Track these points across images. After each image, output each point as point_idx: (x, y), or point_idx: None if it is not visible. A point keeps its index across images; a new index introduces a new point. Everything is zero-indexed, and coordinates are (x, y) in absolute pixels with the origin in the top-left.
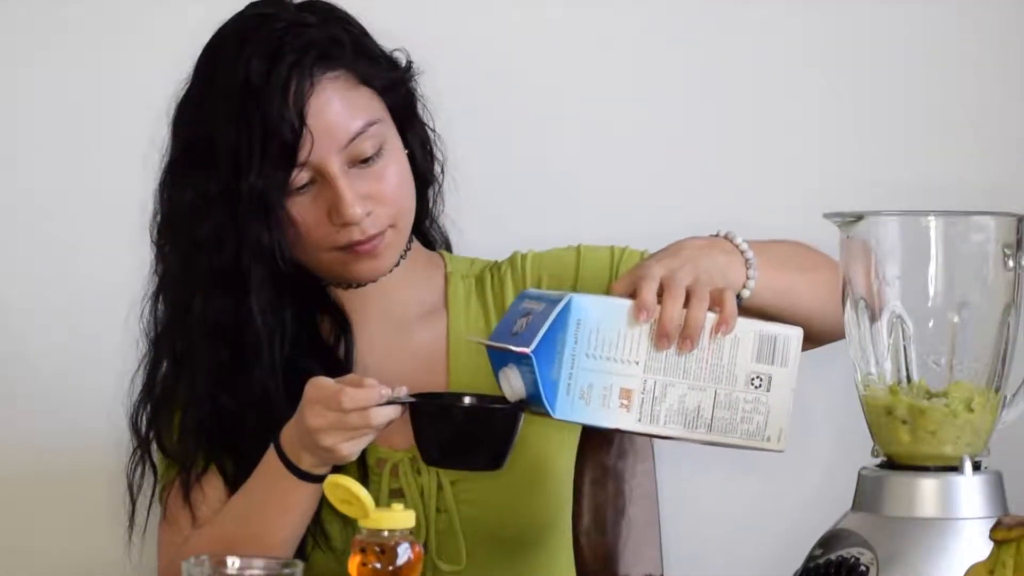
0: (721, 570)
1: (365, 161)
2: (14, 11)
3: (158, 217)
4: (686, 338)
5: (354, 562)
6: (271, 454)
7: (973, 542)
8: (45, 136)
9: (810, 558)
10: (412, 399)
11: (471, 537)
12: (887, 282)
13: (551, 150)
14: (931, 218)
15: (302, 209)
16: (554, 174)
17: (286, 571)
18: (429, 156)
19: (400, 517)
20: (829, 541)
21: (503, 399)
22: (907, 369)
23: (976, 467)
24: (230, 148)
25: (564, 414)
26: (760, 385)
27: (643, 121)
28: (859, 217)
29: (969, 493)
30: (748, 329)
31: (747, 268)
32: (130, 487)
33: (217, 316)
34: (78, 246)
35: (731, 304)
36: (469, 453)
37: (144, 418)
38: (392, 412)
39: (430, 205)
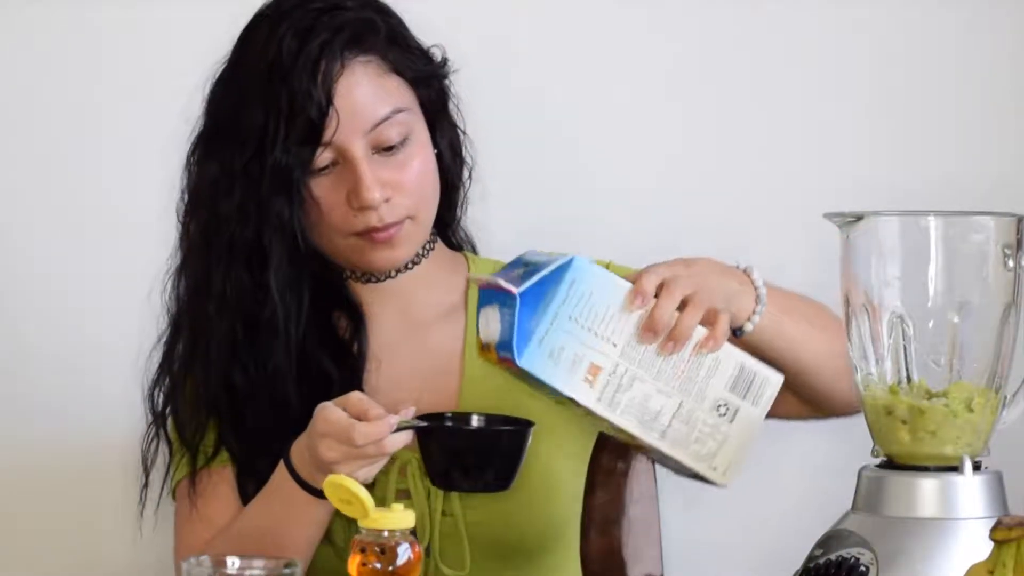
0: (721, 570)
1: (389, 149)
2: None
3: (184, 195)
4: (671, 340)
5: (354, 562)
6: (283, 474)
7: (973, 542)
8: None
9: (810, 558)
10: (422, 424)
11: (475, 544)
12: (887, 282)
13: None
14: (931, 218)
15: (323, 190)
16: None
17: (286, 571)
18: (458, 158)
19: (400, 517)
20: (829, 541)
21: (510, 419)
22: (907, 369)
23: (976, 467)
24: (257, 124)
25: (529, 364)
26: (725, 414)
27: (644, 121)
28: (859, 217)
29: (969, 493)
30: (732, 357)
31: (756, 303)
32: (144, 461)
33: (236, 291)
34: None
35: (723, 325)
36: (477, 474)
37: (160, 393)
38: (404, 438)
39: (456, 208)
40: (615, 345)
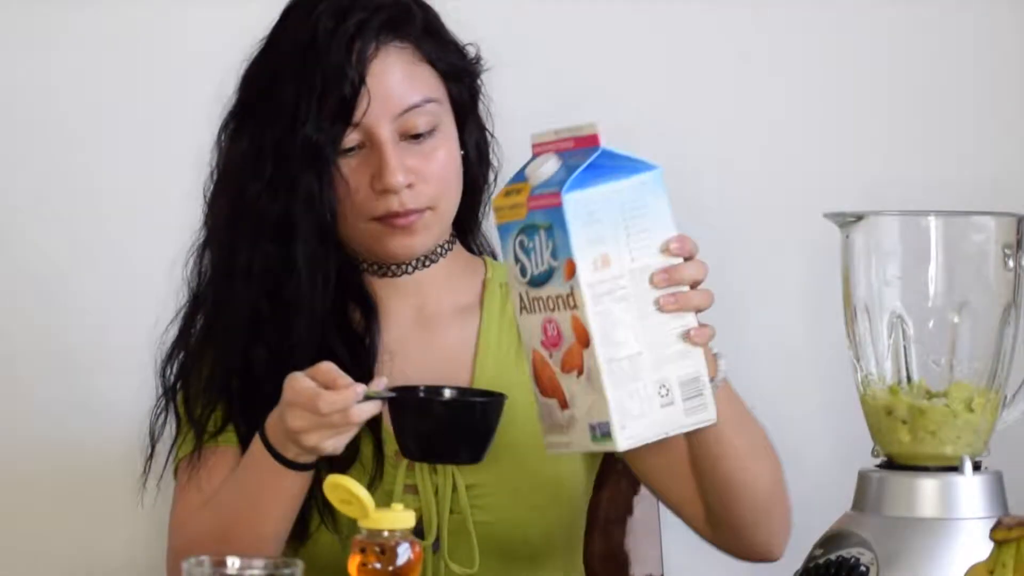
0: (721, 570)
1: (416, 137)
2: None
3: (213, 172)
4: (674, 297)
5: (354, 562)
6: (258, 444)
7: (973, 542)
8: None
9: (810, 558)
10: (390, 394)
11: (483, 543)
12: (887, 282)
13: None
14: (931, 218)
15: (347, 172)
16: None
17: (286, 571)
18: (484, 159)
19: (400, 517)
20: (829, 541)
21: (484, 393)
22: (907, 369)
23: (976, 467)
24: (289, 100)
25: (568, 203)
26: (663, 396)
27: (643, 120)
28: (859, 217)
29: (969, 493)
30: (698, 362)
31: (716, 370)
32: (151, 433)
33: (262, 265)
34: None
35: (712, 332)
36: (448, 447)
37: (173, 367)
38: (372, 408)
39: (479, 210)
40: (632, 260)
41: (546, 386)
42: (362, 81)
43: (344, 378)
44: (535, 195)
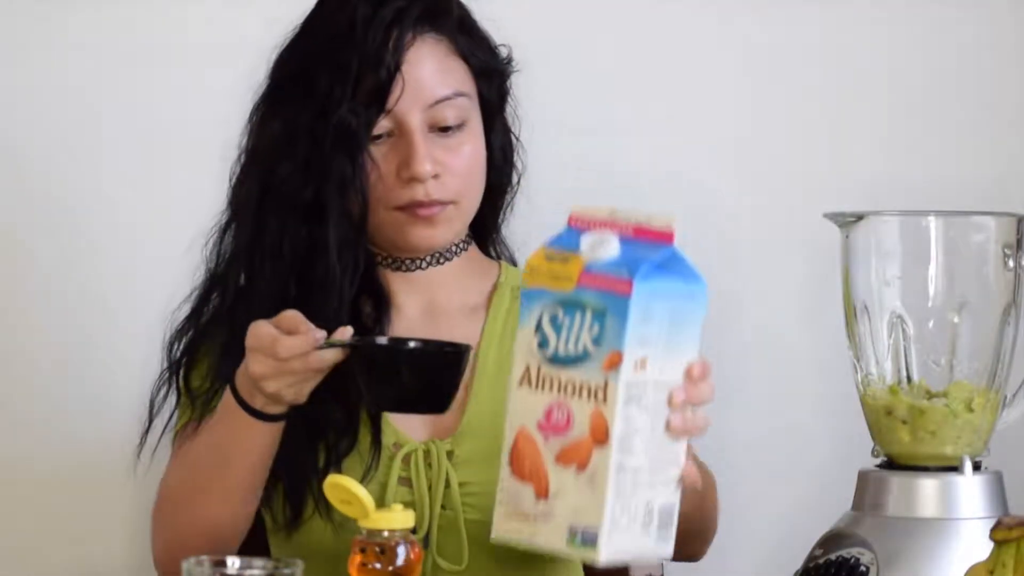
0: (721, 570)
1: (445, 130)
2: None
3: (242, 155)
4: (683, 420)
5: (354, 562)
6: (229, 395)
7: (973, 542)
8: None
9: (810, 558)
10: (351, 342)
11: (474, 542)
12: (887, 282)
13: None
14: (931, 218)
15: (375, 159)
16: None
17: (286, 571)
18: (508, 162)
19: (400, 517)
20: (829, 541)
21: (448, 344)
22: (907, 369)
23: (976, 467)
24: (325, 83)
25: (637, 296)
26: (646, 517)
27: (643, 120)
28: (859, 217)
29: (969, 493)
30: (676, 497)
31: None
32: (151, 406)
33: (292, 246)
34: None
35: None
36: (412, 396)
37: (181, 344)
38: (332, 355)
39: (499, 213)
40: (660, 372)
41: (525, 469)
42: (397, 68)
43: (306, 324)
44: (593, 273)
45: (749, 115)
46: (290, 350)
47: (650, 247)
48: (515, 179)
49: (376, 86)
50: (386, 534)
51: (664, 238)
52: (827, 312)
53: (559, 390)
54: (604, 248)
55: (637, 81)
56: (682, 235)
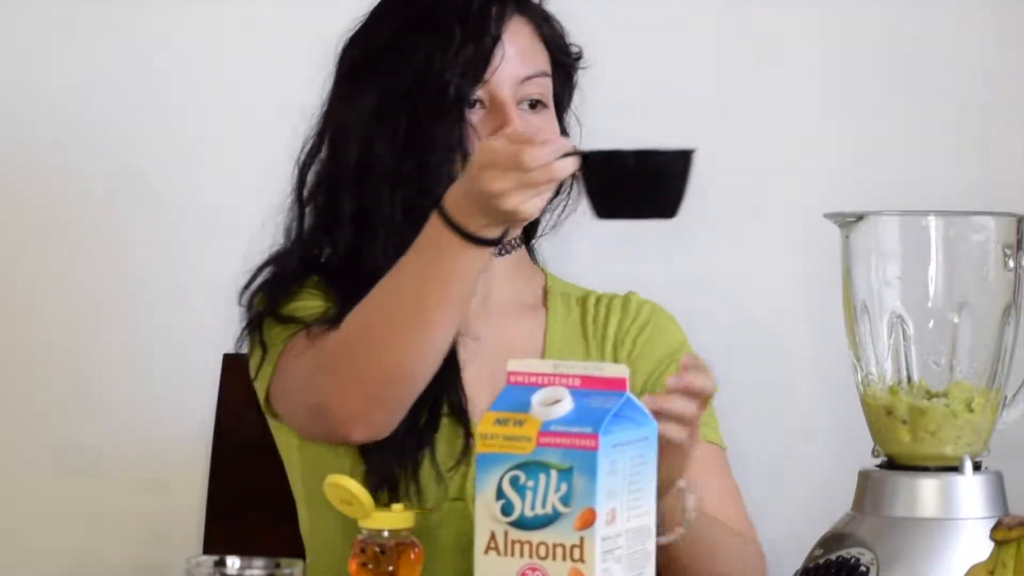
0: None
1: (532, 106)
2: None
3: (310, 141)
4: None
5: (354, 562)
6: (431, 225)
7: (973, 542)
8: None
9: (810, 558)
10: (585, 152)
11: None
12: (887, 282)
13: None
14: (931, 218)
15: (473, 125)
16: None
17: (286, 571)
18: None
19: (400, 517)
20: (829, 541)
21: (680, 149)
22: (907, 369)
23: (976, 467)
24: (422, 52)
25: (603, 450)
26: None
27: (642, 119)
28: (859, 217)
29: (969, 493)
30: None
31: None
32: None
33: (404, 214)
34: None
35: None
36: (642, 200)
37: (263, 295)
38: (572, 164)
39: (545, 214)
40: (628, 520)
41: None
42: (499, 37)
43: (540, 135)
44: (552, 431)
45: (749, 115)
46: (536, 160)
47: (604, 396)
48: (569, 180)
49: (477, 55)
50: (386, 534)
51: (617, 386)
52: (827, 312)
53: (531, 554)
54: (558, 405)
55: (637, 81)
56: (683, 235)
